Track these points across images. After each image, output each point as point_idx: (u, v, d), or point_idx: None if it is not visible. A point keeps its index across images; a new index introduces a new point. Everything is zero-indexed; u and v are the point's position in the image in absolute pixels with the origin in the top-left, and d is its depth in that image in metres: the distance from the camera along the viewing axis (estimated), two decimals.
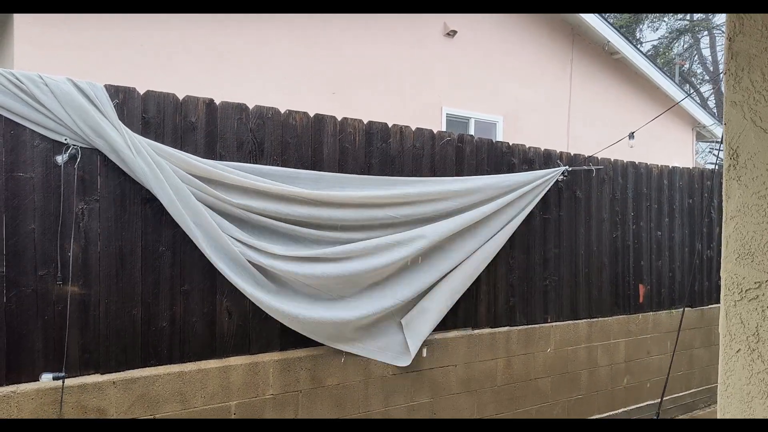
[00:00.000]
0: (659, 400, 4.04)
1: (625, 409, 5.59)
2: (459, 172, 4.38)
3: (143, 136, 3.09)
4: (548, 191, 4.79)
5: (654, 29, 20.41)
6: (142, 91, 3.16)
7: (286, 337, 3.65)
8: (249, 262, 3.32)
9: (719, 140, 14.48)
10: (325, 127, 3.80)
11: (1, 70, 2.78)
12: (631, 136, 5.14)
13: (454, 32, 7.98)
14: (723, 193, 1.41)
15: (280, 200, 3.44)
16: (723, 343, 1.37)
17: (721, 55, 20.33)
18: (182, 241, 3.27)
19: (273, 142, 3.59)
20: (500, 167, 4.61)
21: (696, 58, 20.57)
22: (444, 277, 4.14)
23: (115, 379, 3.06)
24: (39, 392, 2.87)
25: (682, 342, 6.12)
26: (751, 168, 1.35)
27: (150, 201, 3.16)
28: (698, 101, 14.34)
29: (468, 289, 4.38)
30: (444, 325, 4.29)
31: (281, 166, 3.57)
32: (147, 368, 3.18)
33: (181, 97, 3.29)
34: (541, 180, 4.67)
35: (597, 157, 5.31)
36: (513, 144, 4.74)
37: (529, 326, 4.85)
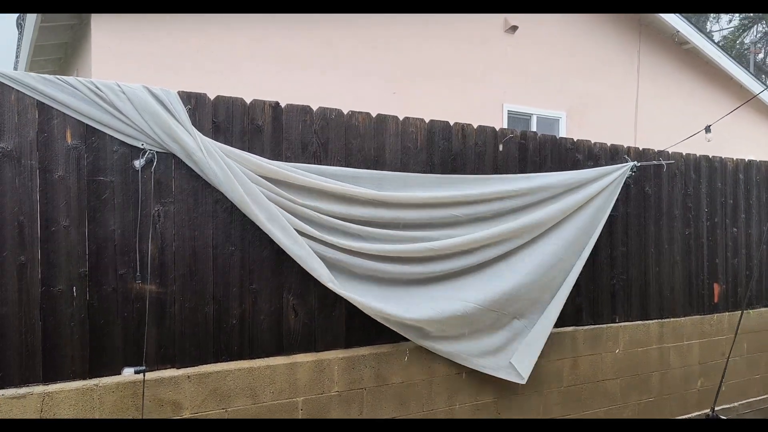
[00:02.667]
0: (714, 400, 3.86)
1: (699, 412, 5.37)
2: (522, 170, 4.31)
3: (214, 140, 3.20)
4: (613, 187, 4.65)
5: (728, 20, 19.39)
6: (212, 97, 3.27)
7: (351, 335, 3.70)
8: (318, 255, 3.39)
9: None
10: (387, 127, 3.83)
11: (82, 79, 2.93)
12: (708, 129, 4.91)
13: (515, 28, 7.85)
14: None
15: (344, 201, 3.49)
16: None
17: None
18: (250, 241, 3.37)
19: (336, 143, 3.64)
20: (564, 164, 4.52)
21: None
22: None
23: (189, 374, 3.19)
24: (119, 385, 3.02)
25: (760, 344, 5.83)
26: None
27: (220, 202, 3.27)
28: None
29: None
30: None
31: (344, 167, 3.62)
32: (219, 363, 3.30)
33: (248, 101, 3.38)
34: (610, 176, 4.53)
35: (668, 152, 5.13)
36: (578, 140, 4.64)
37: (596, 326, 4.74)
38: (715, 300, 5.53)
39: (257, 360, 3.41)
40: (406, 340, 3.82)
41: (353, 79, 6.81)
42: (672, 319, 5.20)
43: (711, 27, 20.21)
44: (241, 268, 3.36)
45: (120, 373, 3.05)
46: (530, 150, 4.38)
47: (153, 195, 3.10)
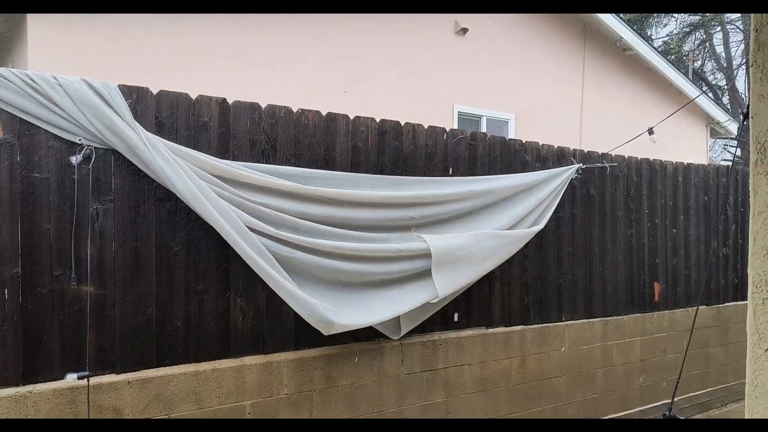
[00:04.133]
0: (672, 399, 3.99)
1: (641, 408, 5.54)
2: (472, 171, 4.35)
3: (158, 136, 3.09)
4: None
5: (663, 25, 20.12)
6: (155, 91, 3.16)
7: (300, 337, 3.64)
8: (271, 252, 3.32)
9: (733, 136, 14.37)
10: (338, 126, 3.79)
11: (16, 71, 2.78)
12: (651, 131, 5.08)
13: (465, 30, 7.93)
14: (750, 189, 1.38)
15: (295, 199, 3.43)
16: (751, 343, 1.34)
17: (734, 51, 20.09)
18: (197, 241, 3.27)
19: (286, 142, 3.58)
20: (513, 165, 4.58)
21: (709, 53, 20.31)
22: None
23: (130, 379, 3.07)
24: (56, 392, 2.87)
25: (697, 341, 6.05)
26: None
27: (164, 200, 3.16)
28: (712, 97, 14.18)
29: (481, 288, 4.37)
30: (458, 323, 4.27)
31: (294, 166, 3.56)
32: (162, 368, 3.18)
33: (193, 96, 3.28)
34: (556, 179, 4.63)
35: (611, 155, 5.27)
36: (526, 141, 4.71)
37: (544, 325, 4.82)
38: (656, 299, 5.72)
39: (203, 363, 3.31)
40: (357, 341, 3.79)
41: (305, 78, 6.73)
42: (615, 318, 5.34)
43: (654, 32, 20.96)
44: (186, 268, 3.26)
45: (55, 379, 2.91)
46: (480, 151, 4.42)
47: (91, 192, 2.96)
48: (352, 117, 3.85)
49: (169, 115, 3.19)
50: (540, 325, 4.79)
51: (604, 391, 5.25)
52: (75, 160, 2.92)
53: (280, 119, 3.56)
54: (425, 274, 3.89)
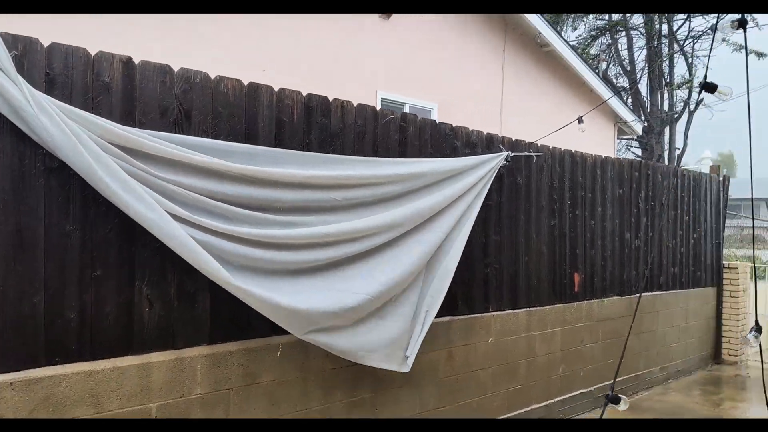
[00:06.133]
0: (613, 380, 3.98)
1: (561, 397, 5.56)
2: (402, 153, 4.14)
3: (48, 95, 2.63)
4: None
5: (574, 28, 20.89)
6: (46, 43, 2.70)
7: (217, 329, 3.27)
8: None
9: (637, 136, 15.15)
10: (261, 98, 3.45)
11: None
12: (580, 120, 5.11)
13: (389, 14, 7.72)
14: None
15: (212, 176, 3.05)
16: None
17: (637, 55, 21.11)
18: (94, 220, 2.83)
19: (202, 111, 3.19)
20: (443, 149, 4.41)
21: (614, 57, 21.29)
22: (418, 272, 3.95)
23: (12, 380, 2.59)
24: None
25: (613, 331, 6.17)
26: None
27: (55, 171, 2.70)
28: (621, 99, 14.83)
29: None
30: None
31: (212, 137, 3.18)
32: (52, 367, 2.72)
33: (93, 52, 2.84)
34: (486, 165, 4.50)
35: (537, 144, 5.23)
36: (456, 126, 4.55)
37: (471, 316, 4.68)
38: (576, 289, 5.75)
39: (101, 361, 2.87)
40: (279, 333, 3.45)
41: (218, 61, 6.26)
42: (538, 308, 5.31)
43: (567, 36, 21.71)
44: (82, 251, 2.81)
45: None
46: (411, 133, 4.21)
47: None
48: (276, 89, 3.52)
49: (63, 72, 2.73)
50: (467, 316, 4.65)
51: (528, 382, 5.21)
52: None
53: (196, 86, 3.17)
54: (356, 258, 3.65)
